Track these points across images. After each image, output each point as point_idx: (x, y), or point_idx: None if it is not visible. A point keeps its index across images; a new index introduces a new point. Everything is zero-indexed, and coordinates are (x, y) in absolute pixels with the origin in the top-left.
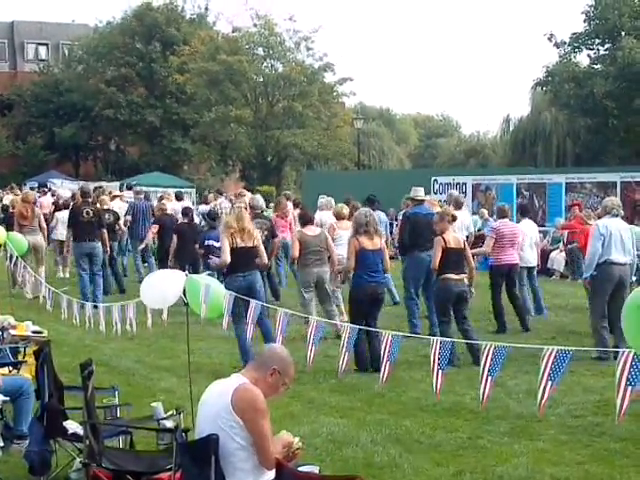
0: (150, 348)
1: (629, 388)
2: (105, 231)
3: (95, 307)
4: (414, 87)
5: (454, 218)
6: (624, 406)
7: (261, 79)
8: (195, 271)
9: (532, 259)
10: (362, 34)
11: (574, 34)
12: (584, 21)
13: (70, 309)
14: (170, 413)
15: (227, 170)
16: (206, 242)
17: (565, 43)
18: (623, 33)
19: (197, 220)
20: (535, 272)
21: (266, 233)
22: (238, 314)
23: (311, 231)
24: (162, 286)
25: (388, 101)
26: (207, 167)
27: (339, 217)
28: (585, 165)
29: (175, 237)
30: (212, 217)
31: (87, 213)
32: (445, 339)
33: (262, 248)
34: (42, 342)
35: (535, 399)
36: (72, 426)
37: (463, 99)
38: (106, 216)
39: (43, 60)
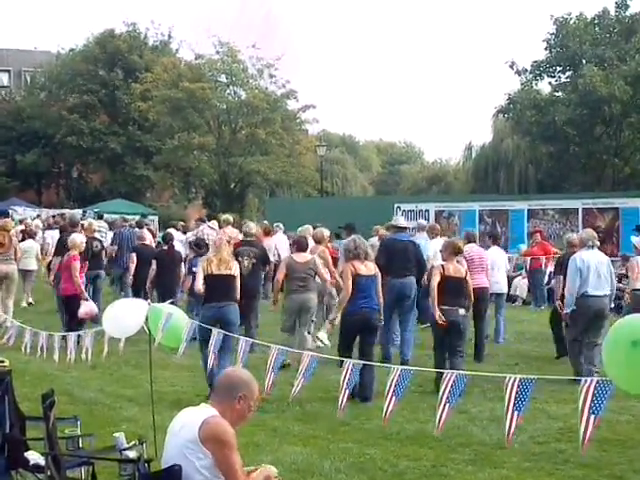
0: (112, 377)
1: (592, 417)
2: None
3: (50, 335)
4: (377, 114)
5: (459, 250)
6: (587, 434)
7: (224, 106)
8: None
9: (503, 286)
10: (325, 61)
11: (535, 62)
12: (545, 49)
13: (22, 338)
14: (132, 443)
15: (190, 197)
16: (194, 269)
17: (527, 71)
18: (584, 61)
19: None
20: (504, 299)
21: (254, 261)
22: (206, 342)
23: (300, 257)
24: (124, 315)
25: (351, 128)
26: (170, 194)
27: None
28: (547, 192)
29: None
30: (198, 245)
31: (96, 246)
32: (408, 368)
33: (237, 281)
34: (3, 372)
35: (498, 426)
36: (34, 457)
37: (426, 126)
38: (94, 244)
39: (5, 87)
